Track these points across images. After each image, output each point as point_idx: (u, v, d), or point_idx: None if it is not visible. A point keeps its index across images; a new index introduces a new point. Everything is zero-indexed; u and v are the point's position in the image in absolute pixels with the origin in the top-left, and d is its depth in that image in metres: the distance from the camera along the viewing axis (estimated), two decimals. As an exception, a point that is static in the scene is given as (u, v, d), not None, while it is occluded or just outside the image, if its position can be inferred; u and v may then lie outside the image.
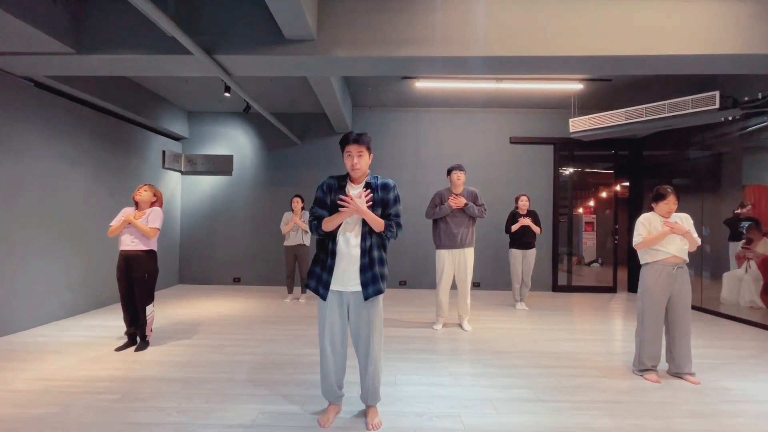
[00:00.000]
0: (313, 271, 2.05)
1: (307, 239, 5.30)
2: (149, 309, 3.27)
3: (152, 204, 3.34)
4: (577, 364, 3.09)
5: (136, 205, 3.29)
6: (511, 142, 6.50)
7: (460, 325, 4.05)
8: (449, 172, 4.03)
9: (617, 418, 2.24)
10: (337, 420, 2.14)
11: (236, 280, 6.51)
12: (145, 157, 5.72)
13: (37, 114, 3.97)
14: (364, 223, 2.01)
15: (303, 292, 5.48)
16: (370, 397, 2.12)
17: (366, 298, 1.99)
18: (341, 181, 2.10)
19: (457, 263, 3.96)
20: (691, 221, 2.82)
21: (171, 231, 6.34)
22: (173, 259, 6.44)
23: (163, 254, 6.05)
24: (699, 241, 2.76)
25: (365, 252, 1.99)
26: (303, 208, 5.34)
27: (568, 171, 6.82)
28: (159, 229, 3.26)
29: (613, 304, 5.63)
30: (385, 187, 2.07)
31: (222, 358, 3.10)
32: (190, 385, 2.59)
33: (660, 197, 2.79)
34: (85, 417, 2.17)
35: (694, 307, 5.33)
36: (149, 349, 3.28)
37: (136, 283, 3.20)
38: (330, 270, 1.99)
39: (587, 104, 5.99)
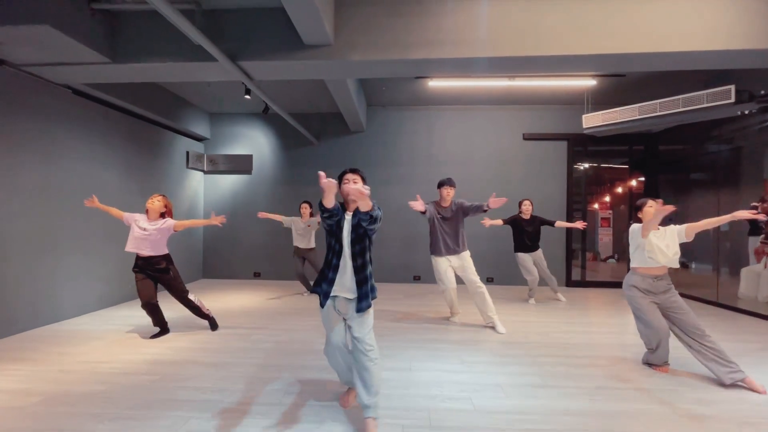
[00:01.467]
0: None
1: (313, 242, 5.44)
2: (192, 296, 3.59)
3: (162, 215, 3.51)
4: (587, 354, 3.18)
5: (147, 212, 3.49)
6: (524, 139, 6.55)
7: (494, 328, 3.88)
8: (440, 185, 3.98)
9: (624, 402, 2.35)
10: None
11: (256, 275, 6.77)
12: (171, 157, 6.02)
13: (74, 119, 4.26)
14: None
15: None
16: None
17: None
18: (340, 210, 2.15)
19: (457, 268, 3.97)
20: (676, 230, 2.80)
21: (195, 228, 6.64)
22: (197, 254, 6.75)
23: (187, 250, 6.37)
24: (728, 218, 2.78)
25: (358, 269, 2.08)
26: (312, 214, 5.41)
27: (582, 167, 6.83)
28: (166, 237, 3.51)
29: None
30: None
31: (248, 345, 3.32)
32: (222, 368, 2.81)
33: (639, 208, 2.88)
34: (130, 394, 2.41)
35: (710, 303, 5.32)
36: (181, 336, 3.54)
37: (165, 283, 3.50)
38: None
39: (600, 100, 5.99)
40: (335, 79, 4.27)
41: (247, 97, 5.09)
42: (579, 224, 4.83)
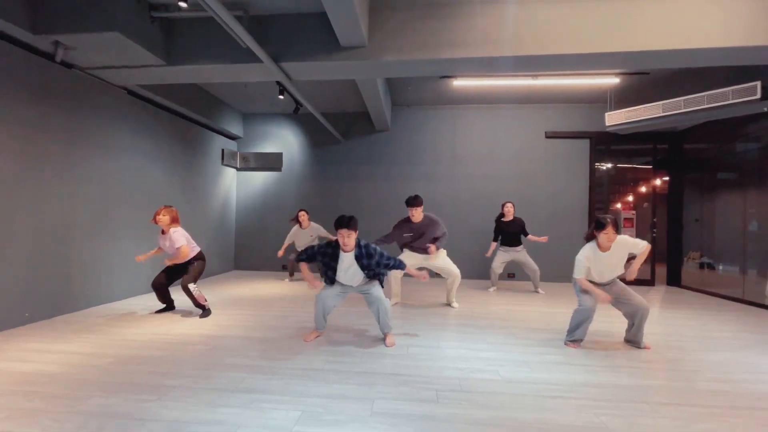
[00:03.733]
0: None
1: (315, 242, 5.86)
2: (192, 287, 3.80)
3: (171, 224, 3.78)
4: (608, 339, 3.31)
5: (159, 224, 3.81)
6: (547, 137, 6.66)
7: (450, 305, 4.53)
8: (407, 204, 4.24)
9: (642, 378, 2.49)
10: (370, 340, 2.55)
11: (284, 268, 7.09)
12: (208, 154, 6.41)
13: (127, 117, 4.66)
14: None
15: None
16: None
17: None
18: (335, 249, 2.97)
19: (431, 266, 4.42)
20: (631, 243, 3.00)
21: (227, 222, 7.03)
22: (229, 247, 7.13)
23: (219, 243, 6.75)
24: (635, 274, 3.01)
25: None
26: (309, 220, 5.91)
27: (605, 166, 6.87)
28: (188, 244, 3.81)
29: (651, 295, 5.69)
30: (369, 254, 2.96)
31: (287, 324, 3.60)
32: (265, 342, 3.09)
33: (600, 227, 2.95)
34: (190, 358, 2.70)
35: (736, 300, 5.29)
36: (224, 315, 3.85)
37: (183, 270, 3.88)
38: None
39: (624, 98, 6.05)
40: (367, 78, 4.51)
41: (281, 97, 5.41)
42: (544, 238, 5.47)
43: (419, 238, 4.32)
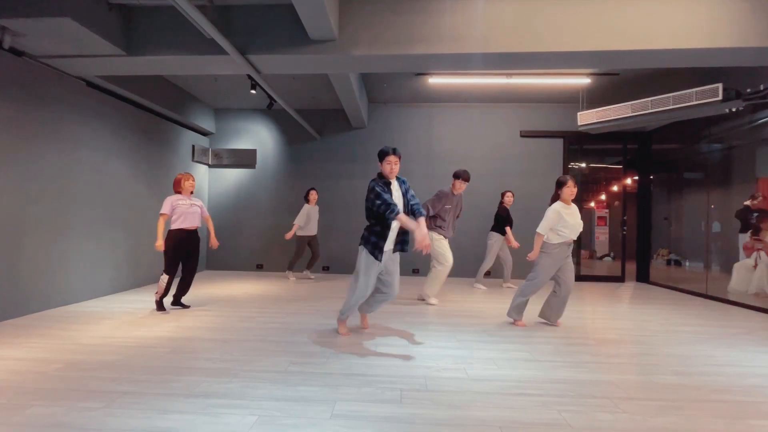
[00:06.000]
0: (370, 239, 2.96)
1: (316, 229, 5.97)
2: (163, 278, 3.82)
3: (192, 192, 3.98)
4: (576, 335, 3.35)
5: (181, 191, 3.89)
6: (522, 136, 6.73)
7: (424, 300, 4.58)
8: (461, 177, 4.51)
9: (605, 373, 2.51)
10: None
11: (259, 267, 6.93)
12: (177, 150, 6.19)
13: (88, 110, 4.43)
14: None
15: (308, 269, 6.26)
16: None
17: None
18: (385, 181, 3.01)
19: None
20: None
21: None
22: (201, 246, 6.89)
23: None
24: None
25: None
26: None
27: (578, 165, 7.00)
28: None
29: (620, 291, 5.82)
30: (403, 180, 3.12)
31: (254, 325, 3.48)
32: (228, 344, 2.97)
33: (561, 184, 3.46)
34: (144, 362, 2.56)
35: (700, 295, 5.47)
36: (189, 316, 3.71)
37: (193, 258, 3.95)
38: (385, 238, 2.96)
39: (596, 98, 6.17)
40: (339, 73, 4.43)
41: (253, 92, 5.26)
42: (514, 245, 5.50)
43: (454, 214, 4.59)
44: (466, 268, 6.37)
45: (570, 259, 3.51)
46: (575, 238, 3.46)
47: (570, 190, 3.41)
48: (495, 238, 5.56)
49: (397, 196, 2.97)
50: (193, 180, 4.01)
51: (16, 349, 2.79)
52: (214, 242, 4.17)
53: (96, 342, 2.97)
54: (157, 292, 3.87)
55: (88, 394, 2.11)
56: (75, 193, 4.26)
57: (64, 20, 3.11)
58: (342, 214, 6.78)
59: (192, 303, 4.27)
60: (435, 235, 4.41)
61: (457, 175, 4.47)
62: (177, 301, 4.05)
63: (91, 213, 4.48)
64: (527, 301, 3.61)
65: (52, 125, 3.98)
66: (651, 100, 5.05)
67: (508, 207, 5.58)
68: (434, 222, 4.49)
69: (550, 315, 3.61)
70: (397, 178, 3.07)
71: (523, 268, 6.32)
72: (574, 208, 3.49)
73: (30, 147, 3.75)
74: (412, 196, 3.05)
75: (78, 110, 4.30)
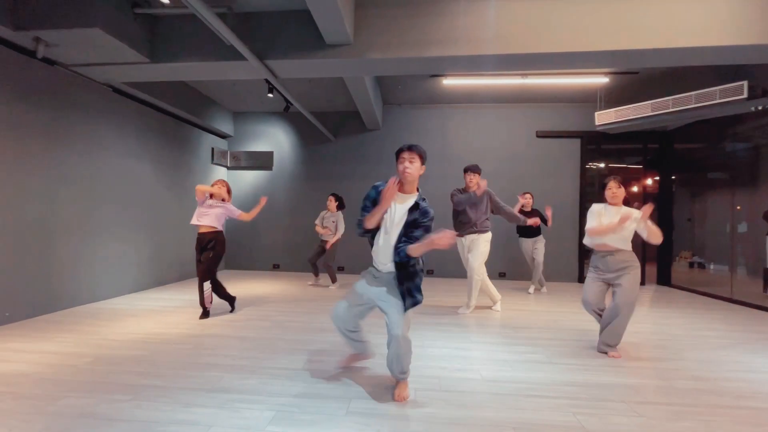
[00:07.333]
0: None
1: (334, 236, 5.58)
2: (207, 286, 3.75)
3: (224, 200, 3.89)
4: (594, 338, 3.30)
5: (211, 196, 3.80)
6: (538, 136, 6.66)
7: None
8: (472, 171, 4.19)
9: (622, 377, 2.48)
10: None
11: (275, 267, 7.06)
12: (197, 153, 6.37)
13: (113, 115, 4.62)
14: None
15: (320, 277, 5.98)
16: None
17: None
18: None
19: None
20: (639, 214, 2.77)
21: (218, 221, 6.99)
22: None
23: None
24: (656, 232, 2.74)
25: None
26: (338, 207, 5.57)
27: (596, 166, 6.88)
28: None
29: (640, 294, 5.68)
30: (425, 211, 2.07)
31: (271, 325, 3.57)
32: (247, 342, 3.06)
33: (603, 186, 2.95)
34: (169, 358, 2.67)
35: (725, 299, 5.30)
36: (209, 314, 3.81)
37: (204, 258, 3.75)
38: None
39: (613, 98, 6.06)
40: (354, 76, 4.49)
41: (270, 95, 5.37)
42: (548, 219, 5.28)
43: (482, 211, 4.15)
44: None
45: (620, 279, 2.81)
46: (616, 247, 2.82)
47: (610, 191, 2.89)
48: (523, 242, 5.53)
49: (390, 218, 2.09)
50: (221, 186, 3.92)
51: (49, 343, 2.94)
52: (262, 203, 4.24)
53: (122, 338, 3.10)
54: (206, 303, 3.77)
55: (116, 387, 2.22)
56: (101, 195, 4.44)
57: (94, 30, 3.27)
58: (355, 216, 6.83)
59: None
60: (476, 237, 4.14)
61: (464, 170, 4.20)
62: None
63: (116, 214, 4.66)
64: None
65: (81, 130, 4.17)
66: (672, 99, 4.93)
67: (527, 209, 5.42)
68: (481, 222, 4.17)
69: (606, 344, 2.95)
70: (417, 204, 2.08)
71: (545, 271, 6.24)
72: (616, 210, 2.87)
73: (60, 151, 3.93)
74: (420, 228, 2.05)
75: (105, 115, 4.48)
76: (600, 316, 2.97)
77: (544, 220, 5.33)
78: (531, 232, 5.40)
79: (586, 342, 3.20)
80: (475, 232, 4.14)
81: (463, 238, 4.21)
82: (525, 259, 5.74)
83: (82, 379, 2.33)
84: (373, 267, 2.25)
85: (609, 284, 2.91)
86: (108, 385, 2.24)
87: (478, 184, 4.04)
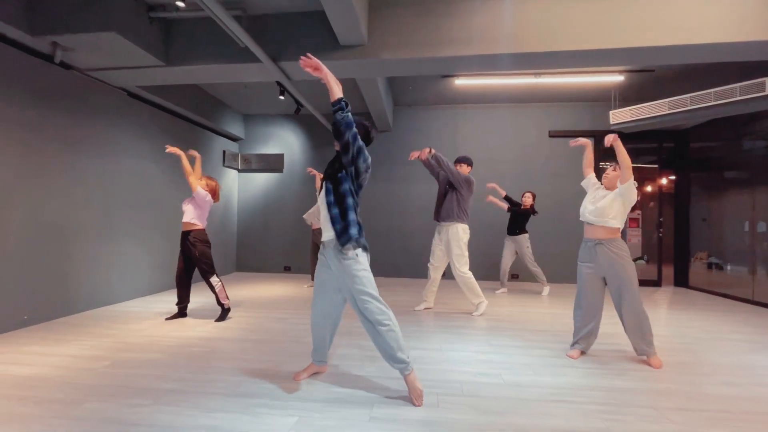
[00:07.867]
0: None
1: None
2: (214, 280, 3.69)
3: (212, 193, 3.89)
4: (614, 342, 3.23)
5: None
6: (550, 136, 6.58)
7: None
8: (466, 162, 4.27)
9: (649, 382, 2.41)
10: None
11: (287, 269, 7.06)
12: (209, 156, 6.39)
13: (129, 119, 4.65)
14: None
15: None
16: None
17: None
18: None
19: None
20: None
21: (229, 223, 7.01)
22: (231, 249, 7.10)
23: (221, 245, 6.72)
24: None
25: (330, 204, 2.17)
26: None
27: (610, 165, 6.77)
28: (199, 203, 3.79)
29: (657, 296, 5.59)
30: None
31: (286, 327, 3.55)
32: (264, 344, 3.04)
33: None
34: (187, 361, 2.66)
35: (745, 301, 5.18)
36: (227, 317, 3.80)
37: (193, 259, 3.69)
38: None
39: (628, 96, 5.97)
40: (367, 77, 4.47)
41: (282, 98, 5.38)
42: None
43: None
44: (494, 271, 6.28)
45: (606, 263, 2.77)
46: (586, 222, 3.04)
47: (607, 177, 3.07)
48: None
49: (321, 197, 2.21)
50: (208, 181, 3.94)
51: (68, 347, 2.95)
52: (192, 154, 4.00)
53: (139, 341, 3.10)
54: (220, 299, 3.73)
55: (136, 391, 2.21)
56: (117, 198, 4.47)
57: (110, 35, 3.29)
58: (363, 216, 6.81)
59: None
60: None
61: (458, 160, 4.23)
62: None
63: (131, 217, 4.69)
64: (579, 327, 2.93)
65: (97, 134, 4.20)
66: (690, 97, 4.83)
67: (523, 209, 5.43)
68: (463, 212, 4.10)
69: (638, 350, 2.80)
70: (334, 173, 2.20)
71: (558, 273, 6.17)
72: (603, 191, 3.07)
73: (76, 154, 3.96)
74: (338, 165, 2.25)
75: (120, 119, 4.52)
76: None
77: (515, 205, 5.40)
78: (519, 229, 5.41)
79: (606, 345, 3.13)
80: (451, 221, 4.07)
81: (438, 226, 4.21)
82: (524, 260, 5.55)
83: (103, 382, 2.33)
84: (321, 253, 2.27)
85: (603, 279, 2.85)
86: (128, 389, 2.23)
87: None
